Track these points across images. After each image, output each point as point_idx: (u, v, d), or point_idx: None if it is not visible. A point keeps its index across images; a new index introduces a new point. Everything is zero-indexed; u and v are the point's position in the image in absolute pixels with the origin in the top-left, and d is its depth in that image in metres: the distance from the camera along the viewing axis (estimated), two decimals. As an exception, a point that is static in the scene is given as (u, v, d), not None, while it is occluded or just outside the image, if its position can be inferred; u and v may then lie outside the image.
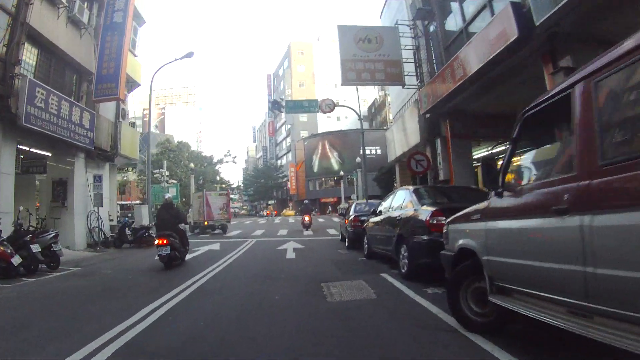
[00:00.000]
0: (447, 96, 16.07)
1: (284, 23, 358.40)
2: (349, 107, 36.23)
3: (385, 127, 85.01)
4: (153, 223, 26.02)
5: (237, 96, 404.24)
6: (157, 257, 12.59)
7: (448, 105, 17.26)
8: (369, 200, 22.29)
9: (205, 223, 28.81)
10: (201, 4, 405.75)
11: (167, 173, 48.84)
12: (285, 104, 32.16)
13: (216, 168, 79.16)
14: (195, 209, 31.93)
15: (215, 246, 19.44)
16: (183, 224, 14.85)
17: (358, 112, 36.22)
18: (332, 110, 30.18)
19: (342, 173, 72.56)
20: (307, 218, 29.84)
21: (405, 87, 21.12)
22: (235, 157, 77.09)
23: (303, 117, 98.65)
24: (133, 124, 26.12)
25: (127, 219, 21.66)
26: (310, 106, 30.91)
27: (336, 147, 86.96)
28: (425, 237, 8.62)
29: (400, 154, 23.96)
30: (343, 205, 65.97)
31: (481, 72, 13.30)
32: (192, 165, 56.80)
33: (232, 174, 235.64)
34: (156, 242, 12.61)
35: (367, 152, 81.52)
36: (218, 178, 72.02)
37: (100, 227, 20.34)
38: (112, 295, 8.71)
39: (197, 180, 70.00)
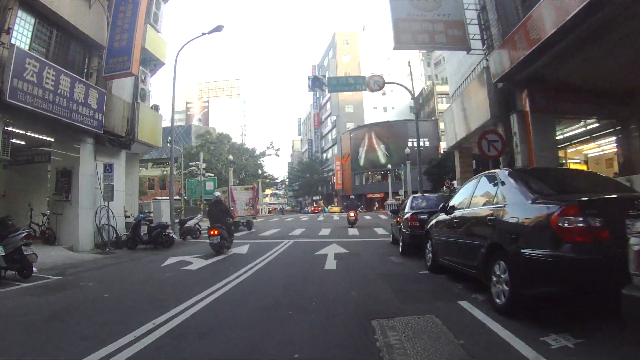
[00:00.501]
0: (527, 58, 12.38)
1: (328, 13, 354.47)
2: (401, 85, 32.07)
3: (433, 118, 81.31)
4: (179, 219, 23.40)
5: (282, 89, 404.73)
6: (209, 245, 14.88)
7: (526, 72, 13.54)
8: (425, 194, 18.83)
9: (231, 220, 25.52)
10: None
11: (204, 166, 46.05)
12: (327, 81, 28.54)
13: (259, 161, 76.35)
14: None
15: (242, 249, 16.29)
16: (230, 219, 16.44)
17: (411, 91, 32.36)
18: (381, 88, 26.58)
19: (389, 166, 68.46)
20: (352, 214, 28.52)
21: (471, 52, 17.46)
22: (278, 149, 74.16)
23: (349, 108, 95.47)
24: (156, 107, 23.05)
25: (142, 214, 18.58)
26: (356, 83, 27.22)
27: (383, 139, 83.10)
28: (547, 252, 5.05)
29: (462, 137, 20.33)
30: (391, 201, 62.47)
31: (569, 27, 9.98)
32: (231, 157, 53.79)
33: (278, 168, 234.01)
34: (210, 232, 14.83)
35: (416, 143, 78.60)
36: (260, 172, 68.79)
37: (113, 224, 17.63)
38: (50, 330, 5.61)
39: (238, 174, 67.47)
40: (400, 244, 13.43)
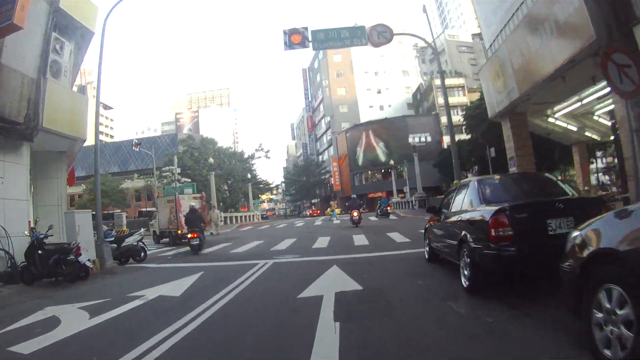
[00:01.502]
0: None
1: (317, 15, 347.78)
2: (414, 35, 25.49)
3: (434, 112, 75.00)
4: (115, 236, 16.89)
5: (274, 95, 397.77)
6: (190, 247, 17.85)
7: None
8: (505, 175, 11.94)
9: (180, 232, 23.06)
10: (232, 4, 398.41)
11: (179, 171, 39.50)
12: (312, 36, 20.33)
13: (249, 165, 69.53)
14: (164, 215, 25.95)
15: (183, 284, 9.83)
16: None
17: (432, 45, 25.86)
18: (388, 41, 20.08)
19: (392, 162, 61.72)
20: (355, 213, 26.53)
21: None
22: (268, 151, 67.40)
23: (343, 108, 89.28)
24: (82, 89, 16.43)
25: (37, 233, 11.69)
26: (352, 36, 19.83)
27: (381, 136, 76.54)
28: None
29: (518, 96, 13.47)
30: (396, 199, 55.94)
31: None
32: (211, 160, 46.97)
33: (273, 174, 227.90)
34: (191, 236, 17.74)
35: (416, 139, 72.21)
36: (249, 176, 61.80)
37: (8, 249, 11.48)
38: None
39: (225, 180, 60.86)
40: (468, 273, 6.71)
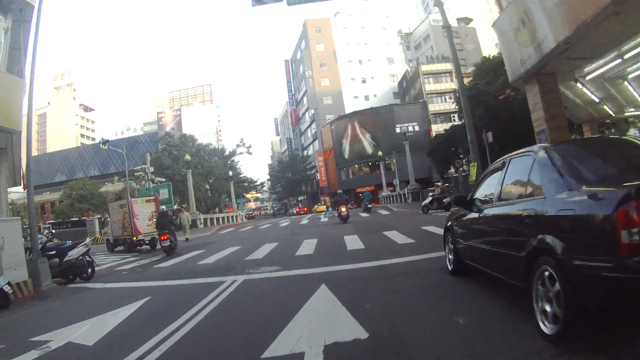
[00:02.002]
0: None
1: (297, 9, 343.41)
2: None
3: (421, 100, 72.44)
4: (55, 248, 13.89)
5: (257, 90, 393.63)
6: (161, 248, 18.51)
7: None
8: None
9: (135, 239, 22.28)
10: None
11: (152, 169, 36.45)
12: None
13: (231, 162, 66.32)
14: (117, 220, 24.05)
15: (106, 323, 6.97)
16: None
17: None
18: None
19: (380, 153, 58.86)
20: (344, 209, 25.70)
21: None
22: (250, 146, 63.38)
23: (327, 100, 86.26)
24: (20, 72, 13.51)
25: None
26: None
27: (368, 127, 73.71)
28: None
29: (552, 47, 10.47)
30: (385, 192, 53.21)
31: None
32: (187, 157, 43.71)
33: (258, 171, 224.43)
34: (161, 238, 18.43)
35: (404, 129, 69.58)
36: (230, 173, 58.45)
37: None
38: None
39: (207, 178, 57.71)
40: (557, 311, 3.82)
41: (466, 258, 6.72)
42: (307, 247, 14.72)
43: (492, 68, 33.61)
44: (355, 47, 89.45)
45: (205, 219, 42.08)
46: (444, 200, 25.42)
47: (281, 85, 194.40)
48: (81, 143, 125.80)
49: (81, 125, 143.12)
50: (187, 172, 41.26)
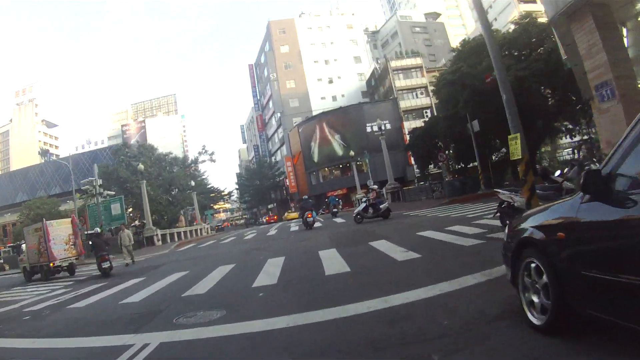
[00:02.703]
0: None
1: (261, 11, 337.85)
2: None
3: (391, 97, 69.25)
4: None
5: (223, 98, 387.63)
6: (101, 270, 17.24)
7: None
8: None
9: (52, 265, 19.97)
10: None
11: (100, 182, 32.20)
12: None
13: (196, 170, 61.94)
14: (33, 246, 21.34)
15: None
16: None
17: None
18: None
19: (352, 153, 55.13)
20: (309, 216, 25.08)
21: None
22: (212, 153, 59.48)
23: (293, 102, 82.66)
24: None
25: None
26: None
27: (337, 128, 70.02)
28: None
29: None
30: (359, 195, 49.40)
31: None
32: (140, 167, 39.25)
33: (227, 182, 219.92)
34: (101, 259, 17.28)
35: (375, 128, 65.78)
36: (192, 183, 53.89)
37: None
38: None
39: (168, 190, 53.32)
40: None
41: (589, 302, 3.37)
42: (271, 270, 11.02)
43: (473, 50, 30.32)
44: (321, 47, 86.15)
45: (164, 235, 37.79)
46: (381, 207, 21.52)
47: (247, 92, 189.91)
48: (44, 160, 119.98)
49: (44, 142, 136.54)
50: (142, 183, 36.92)
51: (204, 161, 59.99)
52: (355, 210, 23.27)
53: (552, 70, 26.77)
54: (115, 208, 35.24)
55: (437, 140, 33.95)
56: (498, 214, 11.81)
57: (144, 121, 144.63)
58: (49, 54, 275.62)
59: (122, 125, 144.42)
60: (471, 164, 37.40)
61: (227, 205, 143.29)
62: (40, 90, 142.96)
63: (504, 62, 29.22)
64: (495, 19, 60.53)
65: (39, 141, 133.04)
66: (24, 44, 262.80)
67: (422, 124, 41.63)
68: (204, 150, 59.52)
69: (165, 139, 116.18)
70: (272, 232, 29.36)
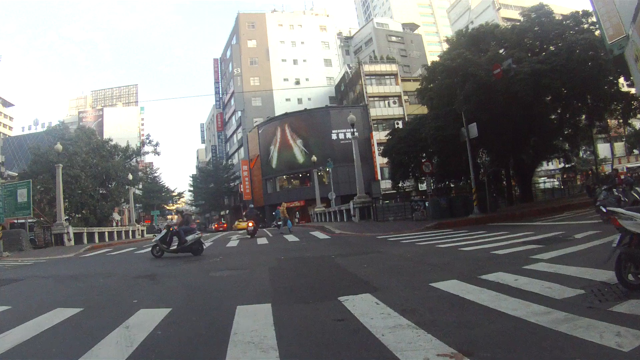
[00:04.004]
0: None
1: (234, 8, 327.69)
2: None
3: (362, 104, 63.06)
4: None
5: (187, 95, 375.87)
6: None
7: None
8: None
9: None
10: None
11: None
12: None
13: (135, 162, 53.97)
14: None
15: None
16: None
17: None
18: None
19: (314, 159, 48.08)
20: (251, 224, 25.06)
21: None
22: (157, 144, 51.78)
23: (256, 101, 75.95)
24: None
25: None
26: None
27: (300, 132, 63.35)
28: None
29: None
30: (319, 208, 42.91)
31: None
32: (58, 147, 31.57)
33: (184, 183, 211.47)
34: None
35: (341, 136, 60.04)
36: (130, 177, 45.89)
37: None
38: None
39: (105, 182, 45.56)
40: None
41: None
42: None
43: (473, 41, 24.30)
44: (291, 45, 79.89)
45: (79, 234, 30.26)
46: (188, 238, 14.98)
47: (210, 89, 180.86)
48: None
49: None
50: (56, 167, 29.64)
51: (147, 152, 52.36)
52: (153, 240, 16.16)
53: (573, 69, 21.13)
54: (22, 195, 28.74)
55: (421, 147, 27.17)
56: (617, 256, 5.50)
57: (102, 109, 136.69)
58: (14, 31, 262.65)
59: (80, 112, 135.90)
60: (453, 181, 31.43)
61: (179, 207, 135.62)
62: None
63: (513, 53, 23.52)
64: (472, 22, 54.96)
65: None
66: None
67: (409, 122, 34.12)
68: (147, 140, 51.88)
69: (121, 130, 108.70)
70: (208, 242, 22.40)
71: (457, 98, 21.77)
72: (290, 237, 21.36)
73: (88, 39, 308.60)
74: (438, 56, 40.13)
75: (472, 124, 21.93)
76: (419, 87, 29.35)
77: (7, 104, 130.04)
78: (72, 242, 28.38)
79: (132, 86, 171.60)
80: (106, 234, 35.31)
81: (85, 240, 30.34)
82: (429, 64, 32.12)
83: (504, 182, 31.51)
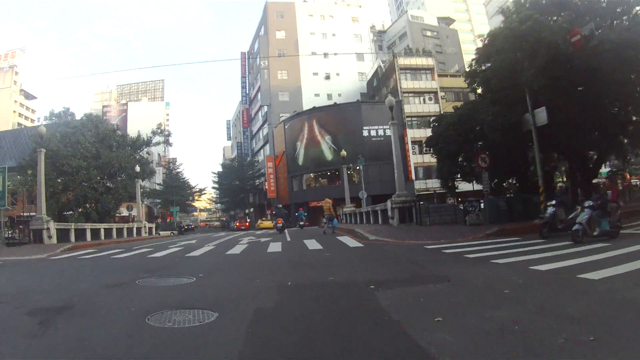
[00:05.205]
0: None
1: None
2: None
3: (396, 99, 58.66)
4: None
5: (215, 92, 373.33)
6: None
7: None
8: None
9: None
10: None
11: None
12: None
13: (145, 152, 49.77)
14: None
15: None
16: None
17: None
18: None
19: (344, 153, 43.48)
20: (280, 221, 27.06)
21: None
22: (169, 134, 48.35)
23: (283, 96, 71.96)
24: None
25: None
26: None
27: (328, 128, 59.15)
28: None
29: None
30: (349, 207, 38.60)
31: None
32: (42, 129, 27.99)
33: (208, 181, 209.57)
34: None
35: (373, 133, 55.98)
36: (138, 169, 41.63)
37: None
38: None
39: (109, 173, 41.71)
40: None
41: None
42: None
43: (537, 11, 19.36)
44: (321, 37, 75.67)
45: (65, 230, 26.34)
46: None
47: (238, 85, 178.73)
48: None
49: (19, 114, 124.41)
50: (38, 153, 25.94)
51: (158, 143, 48.56)
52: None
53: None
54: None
55: (474, 135, 22.23)
56: None
57: (126, 104, 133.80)
58: (46, 27, 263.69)
59: (104, 106, 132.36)
60: (508, 180, 26.89)
61: (207, 206, 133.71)
62: (24, 59, 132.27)
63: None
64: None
65: (14, 112, 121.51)
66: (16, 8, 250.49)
67: (457, 107, 28.39)
68: (159, 130, 48.11)
69: (145, 125, 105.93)
70: (207, 247, 18.33)
71: (524, 73, 17.22)
72: (312, 244, 17.12)
73: (119, 35, 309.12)
74: (455, 74, 35.38)
75: (541, 109, 17.55)
76: (471, 67, 24.51)
77: (29, 96, 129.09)
78: (55, 240, 24.41)
79: (159, 81, 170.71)
80: (102, 230, 31.27)
81: (72, 238, 26.47)
82: (476, 50, 26.88)
83: (566, 183, 26.57)
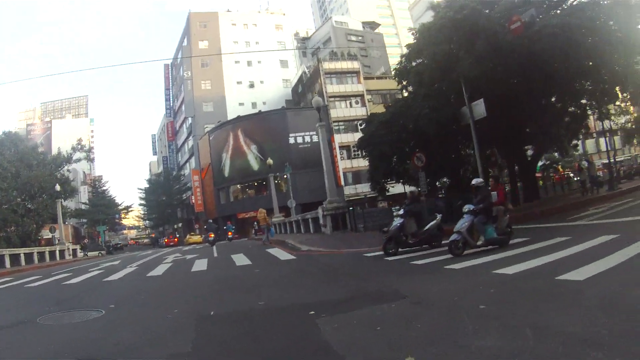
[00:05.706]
0: None
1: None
2: None
3: (322, 104, 57.19)
4: None
5: (138, 106, 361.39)
6: None
7: None
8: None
9: None
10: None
11: None
12: None
13: (65, 170, 46.16)
14: None
15: None
16: None
17: None
18: None
19: (270, 161, 41.33)
20: (211, 235, 28.00)
21: None
22: (90, 149, 45.79)
23: (207, 107, 69.33)
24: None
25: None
26: None
27: (254, 137, 56.82)
28: None
29: None
30: (277, 217, 36.36)
31: None
32: None
33: (135, 197, 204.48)
34: None
35: (299, 139, 54.29)
36: (58, 187, 38.23)
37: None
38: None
39: (29, 194, 38.18)
40: None
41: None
42: None
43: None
44: (245, 46, 73.41)
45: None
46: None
47: (161, 97, 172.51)
48: None
49: None
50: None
51: (79, 159, 45.14)
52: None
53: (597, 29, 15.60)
54: None
55: (406, 133, 20.36)
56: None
57: (50, 122, 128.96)
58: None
59: (28, 125, 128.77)
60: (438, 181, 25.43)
61: (135, 222, 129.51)
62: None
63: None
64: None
65: None
66: None
67: (393, 103, 26.89)
68: (79, 146, 44.63)
69: (70, 143, 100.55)
70: (116, 275, 15.64)
71: (460, 63, 15.55)
72: (240, 259, 14.91)
73: (45, 52, 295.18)
74: (381, 76, 34.32)
75: (479, 101, 15.99)
76: (399, 65, 22.97)
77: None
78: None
79: (83, 97, 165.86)
80: (22, 255, 27.93)
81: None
82: (406, 45, 25.10)
83: (507, 178, 25.27)
